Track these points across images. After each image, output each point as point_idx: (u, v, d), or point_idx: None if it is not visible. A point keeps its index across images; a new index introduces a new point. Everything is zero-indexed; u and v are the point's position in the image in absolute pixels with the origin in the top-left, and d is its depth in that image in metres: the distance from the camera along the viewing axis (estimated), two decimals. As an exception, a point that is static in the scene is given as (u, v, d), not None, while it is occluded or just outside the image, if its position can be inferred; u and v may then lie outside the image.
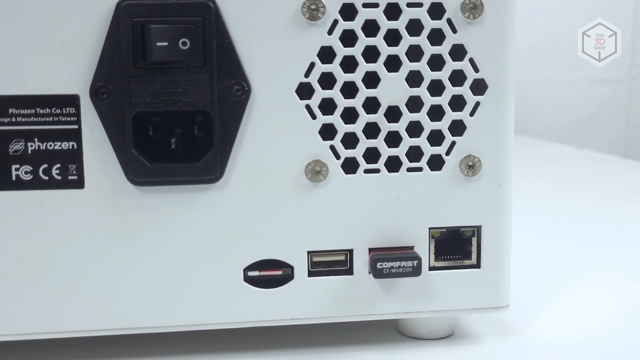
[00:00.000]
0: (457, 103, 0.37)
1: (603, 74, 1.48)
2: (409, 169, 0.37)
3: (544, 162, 1.14)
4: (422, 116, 0.37)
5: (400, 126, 0.37)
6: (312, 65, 0.36)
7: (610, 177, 1.00)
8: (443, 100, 0.37)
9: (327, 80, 0.36)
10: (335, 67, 0.36)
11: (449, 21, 0.36)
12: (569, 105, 1.56)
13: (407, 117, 0.37)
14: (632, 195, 0.85)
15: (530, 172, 1.01)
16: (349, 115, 0.36)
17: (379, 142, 0.37)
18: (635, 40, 1.49)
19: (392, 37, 0.36)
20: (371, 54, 0.36)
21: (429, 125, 0.37)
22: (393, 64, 0.36)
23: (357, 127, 0.37)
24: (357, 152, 0.37)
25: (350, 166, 0.37)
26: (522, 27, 1.46)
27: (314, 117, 0.36)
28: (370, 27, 0.36)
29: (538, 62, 1.54)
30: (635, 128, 1.56)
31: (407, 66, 0.36)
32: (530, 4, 1.49)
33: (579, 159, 1.19)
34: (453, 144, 0.37)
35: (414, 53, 0.36)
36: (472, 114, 0.37)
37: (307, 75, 0.36)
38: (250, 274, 0.37)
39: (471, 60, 0.37)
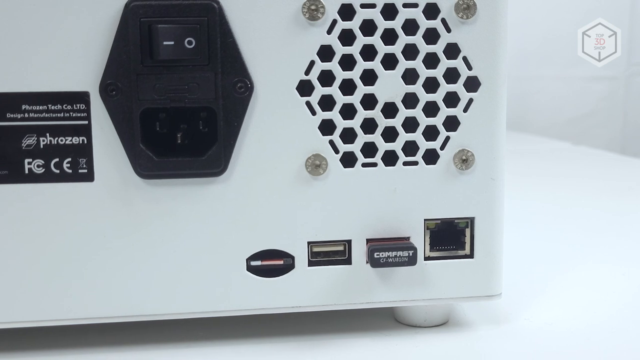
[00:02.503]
0: (451, 100, 0.38)
1: (600, 72, 1.48)
2: (405, 163, 0.38)
3: (540, 159, 1.14)
4: (417, 112, 0.38)
5: (397, 122, 0.38)
6: (312, 63, 0.37)
7: (604, 173, 1.00)
8: (438, 97, 0.38)
9: (326, 78, 0.37)
10: (334, 65, 0.37)
11: (444, 21, 0.37)
12: (567, 102, 1.56)
13: (403, 113, 0.38)
14: (625, 190, 0.86)
15: (526, 168, 1.02)
16: (348, 111, 0.37)
17: (376, 137, 0.38)
18: (633, 38, 1.49)
19: (389, 37, 0.37)
20: (369, 52, 0.37)
21: (424, 121, 0.38)
22: (390, 62, 0.37)
23: (355, 123, 0.38)
24: (355, 147, 0.38)
25: (348, 160, 0.38)
26: (522, 26, 1.47)
27: (313, 113, 0.37)
28: (368, 27, 0.37)
29: (537, 60, 1.55)
30: (632, 125, 1.56)
31: (403, 64, 0.37)
32: (530, 3, 1.49)
33: (575, 156, 1.19)
34: (447, 138, 0.38)
35: (410, 51, 0.37)
36: (465, 110, 0.38)
37: (307, 72, 0.37)
38: (253, 263, 0.38)
39: (465, 59, 0.38)
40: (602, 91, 1.55)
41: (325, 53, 0.37)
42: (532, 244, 0.61)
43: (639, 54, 1.51)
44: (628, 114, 1.56)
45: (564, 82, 1.55)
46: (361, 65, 0.37)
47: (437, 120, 0.38)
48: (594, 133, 1.54)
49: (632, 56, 1.51)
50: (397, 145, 0.38)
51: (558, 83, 1.55)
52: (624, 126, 1.56)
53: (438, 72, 0.38)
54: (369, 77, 0.37)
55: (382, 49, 0.37)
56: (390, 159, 0.38)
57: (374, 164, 0.38)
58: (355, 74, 0.37)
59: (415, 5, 0.37)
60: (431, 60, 0.38)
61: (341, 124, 0.38)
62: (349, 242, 0.39)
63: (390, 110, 0.38)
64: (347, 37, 0.37)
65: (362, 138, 0.38)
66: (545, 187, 0.89)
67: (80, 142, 0.36)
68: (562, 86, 1.55)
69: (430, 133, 0.38)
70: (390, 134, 0.38)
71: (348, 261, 0.39)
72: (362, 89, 0.37)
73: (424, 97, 0.38)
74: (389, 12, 0.37)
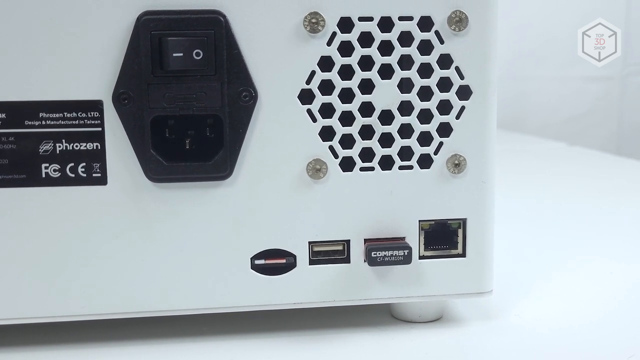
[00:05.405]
0: (445, 107, 0.39)
1: (597, 72, 1.48)
2: (401, 167, 0.40)
3: (535, 159, 1.15)
4: (412, 119, 0.39)
5: (393, 128, 0.39)
6: (312, 73, 0.38)
7: (599, 173, 1.01)
8: (431, 104, 0.39)
9: (326, 87, 0.38)
10: (333, 75, 0.38)
11: (437, 33, 0.39)
12: (564, 102, 1.57)
13: (399, 120, 0.39)
14: (617, 190, 0.87)
15: (521, 167, 1.02)
16: (346, 119, 0.39)
17: (374, 143, 0.39)
18: (629, 39, 1.49)
19: (385, 48, 0.38)
20: (366, 63, 0.38)
21: (418, 128, 0.39)
22: (386, 72, 0.39)
23: (354, 129, 0.39)
24: (354, 152, 0.39)
25: (347, 165, 0.39)
26: (521, 27, 1.46)
27: (314, 120, 0.39)
28: (366, 39, 0.38)
29: (535, 60, 1.55)
30: (628, 125, 1.56)
31: (399, 74, 0.39)
32: (529, 4, 1.50)
33: (570, 155, 1.19)
34: (441, 144, 0.40)
35: (405, 62, 0.39)
36: (458, 117, 0.40)
37: (308, 82, 0.38)
38: (257, 262, 0.39)
39: (457, 69, 0.39)
40: (598, 91, 1.55)
41: (325, 63, 0.38)
42: (522, 242, 0.62)
43: (636, 54, 1.52)
44: (624, 114, 1.56)
45: (561, 82, 1.55)
46: (359, 75, 0.39)
47: (431, 127, 0.40)
48: (590, 133, 1.55)
49: (629, 56, 1.51)
50: (393, 151, 0.40)
51: (555, 83, 1.55)
52: (620, 126, 1.56)
53: (432, 82, 0.39)
54: (367, 86, 0.39)
55: (379, 60, 0.39)
56: (386, 163, 0.40)
57: (372, 168, 0.40)
58: (353, 83, 0.39)
59: (410, 19, 0.38)
60: (425, 70, 0.39)
61: (340, 130, 0.39)
62: (348, 242, 0.40)
63: (386, 117, 0.39)
64: (346, 49, 0.38)
65: (360, 144, 0.39)
66: (538, 187, 0.89)
67: (94, 147, 0.38)
68: (560, 86, 1.55)
69: (425, 139, 0.40)
70: (386, 140, 0.39)
71: (347, 260, 0.40)
72: (360, 98, 0.39)
73: (419, 105, 0.39)
74: (386, 24, 0.38)
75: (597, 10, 1.42)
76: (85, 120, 0.38)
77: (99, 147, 0.38)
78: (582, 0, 1.46)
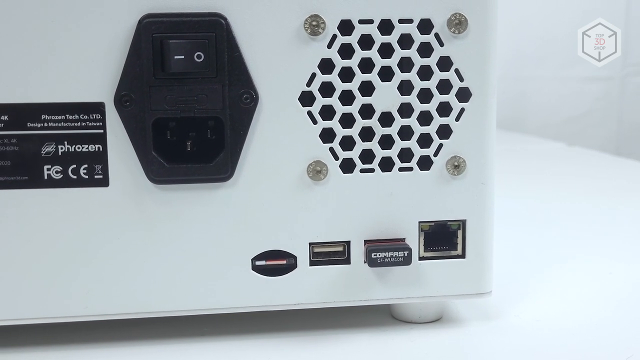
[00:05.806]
0: (444, 109, 0.40)
1: (597, 72, 1.48)
2: (401, 169, 0.40)
3: (533, 159, 1.15)
4: (412, 121, 0.40)
5: (393, 130, 0.40)
6: (313, 75, 0.38)
7: (598, 173, 1.01)
8: (431, 106, 0.40)
9: (326, 89, 0.39)
10: (334, 77, 0.39)
11: (437, 36, 0.39)
12: (563, 102, 1.57)
13: (399, 122, 0.40)
14: (616, 190, 0.87)
15: (519, 167, 1.03)
16: (347, 121, 0.39)
17: (374, 145, 0.40)
18: (629, 38, 1.49)
19: (386, 50, 0.39)
20: (366, 65, 0.39)
21: (418, 130, 0.40)
22: (386, 74, 0.39)
23: (354, 131, 0.39)
24: (354, 154, 0.40)
25: (347, 166, 0.40)
26: (521, 28, 1.46)
27: (315, 122, 0.39)
28: (366, 41, 0.39)
29: (535, 60, 1.55)
30: (627, 125, 1.56)
31: (399, 76, 0.39)
32: (529, 5, 1.50)
33: (569, 155, 1.20)
34: (440, 146, 0.40)
35: (405, 64, 0.39)
36: (457, 119, 0.40)
37: (309, 84, 0.38)
38: (258, 263, 0.40)
39: (457, 71, 0.39)
40: (598, 91, 1.55)
41: (326, 66, 0.38)
42: (522, 242, 0.62)
43: (636, 54, 1.52)
44: (623, 114, 1.56)
45: (561, 82, 1.55)
46: (359, 77, 0.39)
47: (431, 129, 0.40)
48: (589, 133, 1.54)
49: (629, 56, 1.51)
50: (393, 152, 0.40)
51: (555, 83, 1.55)
52: (619, 126, 1.57)
53: (432, 84, 0.39)
54: (367, 89, 0.39)
55: (379, 62, 0.39)
56: (386, 165, 0.40)
57: (372, 170, 0.40)
58: (353, 86, 0.39)
59: (410, 21, 0.39)
60: (425, 73, 0.39)
61: (340, 132, 0.39)
62: (348, 243, 0.40)
63: (386, 119, 0.39)
64: (346, 51, 0.39)
65: (360, 145, 0.40)
66: (538, 187, 0.90)
67: (96, 149, 0.38)
68: (559, 86, 1.55)
69: (425, 141, 0.40)
70: (386, 142, 0.40)
71: (347, 261, 0.40)
72: (360, 100, 0.39)
73: (419, 107, 0.39)
74: (386, 27, 0.39)
75: (597, 10, 1.42)
76: (87, 122, 0.38)
77: (101, 149, 0.38)
78: (582, 0, 1.46)
